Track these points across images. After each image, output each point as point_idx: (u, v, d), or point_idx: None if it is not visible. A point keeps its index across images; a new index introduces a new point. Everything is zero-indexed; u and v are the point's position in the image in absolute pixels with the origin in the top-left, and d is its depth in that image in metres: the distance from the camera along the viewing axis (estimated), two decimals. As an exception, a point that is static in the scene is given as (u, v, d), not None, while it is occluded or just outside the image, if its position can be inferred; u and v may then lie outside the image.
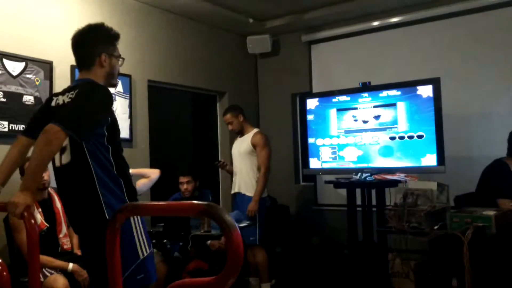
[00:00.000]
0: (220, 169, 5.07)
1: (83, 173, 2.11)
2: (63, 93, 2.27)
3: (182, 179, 4.36)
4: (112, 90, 4.41)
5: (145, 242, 2.20)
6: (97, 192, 2.11)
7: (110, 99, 2.19)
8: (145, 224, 2.23)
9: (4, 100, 3.52)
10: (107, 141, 2.16)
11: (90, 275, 2.40)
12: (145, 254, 2.19)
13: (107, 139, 2.16)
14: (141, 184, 3.95)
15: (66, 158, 2.14)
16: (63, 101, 2.20)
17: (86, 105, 2.09)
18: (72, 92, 2.17)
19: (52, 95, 2.39)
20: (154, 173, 3.99)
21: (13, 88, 3.60)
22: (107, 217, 2.08)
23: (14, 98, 3.58)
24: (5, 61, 3.56)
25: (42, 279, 2.98)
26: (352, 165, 4.11)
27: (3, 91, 3.53)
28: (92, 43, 2.26)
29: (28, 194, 1.92)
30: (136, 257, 2.18)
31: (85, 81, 2.24)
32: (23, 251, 2.93)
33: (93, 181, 2.11)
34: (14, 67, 3.62)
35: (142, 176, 3.96)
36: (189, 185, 4.34)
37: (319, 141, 4.35)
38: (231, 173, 4.56)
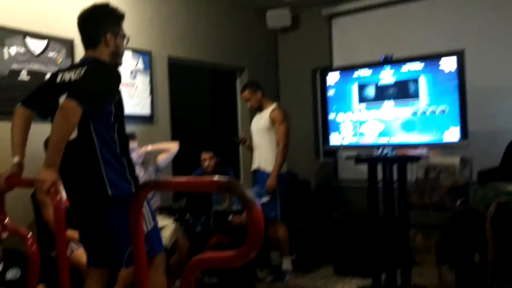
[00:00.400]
0: (240, 145, 5.08)
1: (87, 150, 2.17)
2: (69, 69, 2.32)
3: (204, 155, 4.39)
4: (132, 67, 4.47)
5: (149, 215, 2.27)
6: (100, 169, 2.17)
7: (119, 77, 2.26)
8: (149, 199, 2.28)
9: (27, 79, 3.57)
10: (113, 119, 2.22)
11: (89, 252, 2.43)
12: (149, 228, 2.25)
13: (113, 116, 2.22)
14: (162, 160, 4.01)
15: (72, 134, 2.16)
16: (70, 78, 2.25)
17: (97, 81, 2.16)
18: (81, 69, 2.22)
19: (57, 70, 2.42)
20: (173, 147, 4.04)
21: (35, 67, 3.65)
22: (110, 194, 2.16)
23: (36, 76, 3.63)
24: (27, 39, 3.60)
25: (69, 253, 3.07)
26: (373, 141, 4.07)
27: (27, 70, 3.58)
28: (97, 22, 2.31)
29: (53, 170, 1.98)
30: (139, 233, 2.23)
31: (92, 59, 2.29)
32: (51, 226, 3.01)
33: (97, 158, 2.17)
34: (37, 46, 3.66)
35: (162, 151, 4.01)
36: (211, 161, 4.37)
37: (340, 116, 4.31)
38: (251, 149, 4.57)
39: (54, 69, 3.73)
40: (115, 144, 2.23)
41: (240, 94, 4.67)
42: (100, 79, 2.18)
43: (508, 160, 3.75)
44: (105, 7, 2.36)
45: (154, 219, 2.31)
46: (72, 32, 3.82)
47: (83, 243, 2.45)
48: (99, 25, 2.30)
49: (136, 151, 3.79)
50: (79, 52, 3.88)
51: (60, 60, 3.78)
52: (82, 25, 2.35)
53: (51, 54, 3.74)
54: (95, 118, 2.15)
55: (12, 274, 2.92)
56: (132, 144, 3.74)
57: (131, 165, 2.29)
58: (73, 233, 3.05)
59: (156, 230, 2.36)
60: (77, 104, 2.00)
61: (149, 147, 3.97)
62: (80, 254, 3.04)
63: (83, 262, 2.97)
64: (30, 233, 2.26)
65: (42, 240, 2.88)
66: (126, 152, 2.29)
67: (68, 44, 3.82)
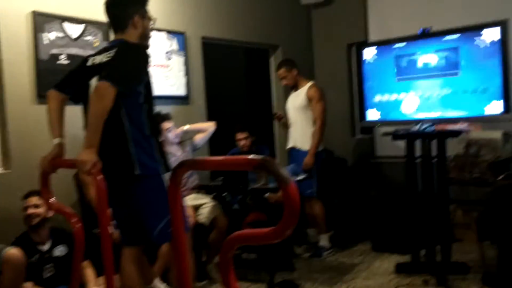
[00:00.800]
0: (276, 122, 5.05)
1: (116, 129, 2.23)
2: (99, 53, 2.39)
3: (240, 135, 4.42)
4: (167, 48, 4.50)
5: None
6: (128, 148, 2.23)
7: (148, 58, 2.30)
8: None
9: (66, 62, 3.66)
10: (143, 100, 2.28)
11: (121, 230, 2.50)
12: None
13: (144, 97, 2.28)
14: (199, 139, 4.06)
15: None
16: (101, 60, 2.31)
17: (128, 62, 2.22)
18: (110, 52, 2.29)
19: (88, 55, 2.50)
20: (210, 126, 4.09)
21: (74, 51, 3.73)
22: (136, 173, 2.23)
23: (75, 60, 3.71)
24: (65, 24, 3.68)
25: (111, 230, 3.18)
26: (411, 116, 3.99)
27: (66, 54, 3.67)
28: (124, 5, 2.37)
29: (92, 150, 2.05)
30: (168, 212, 2.28)
31: (121, 41, 2.35)
32: (93, 205, 3.11)
33: (125, 138, 2.23)
34: (74, 30, 3.74)
35: (198, 131, 4.06)
36: (247, 140, 4.39)
37: (377, 92, 4.24)
38: (286, 126, 4.56)
39: (92, 52, 3.81)
40: (143, 125, 2.28)
41: (275, 72, 4.64)
42: (131, 60, 2.24)
43: (554, 133, 3.61)
44: None
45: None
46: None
47: (116, 221, 2.52)
48: (126, 8, 2.37)
49: (173, 131, 3.85)
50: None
51: (97, 44, 3.85)
52: (110, 9, 2.41)
53: (88, 37, 3.81)
54: (125, 98, 2.20)
55: (59, 251, 3.05)
56: (168, 124, 3.81)
57: (160, 146, 2.35)
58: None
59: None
60: (111, 84, 2.06)
61: (186, 127, 4.03)
62: (122, 232, 3.13)
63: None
64: (74, 212, 2.35)
65: (86, 219, 2.99)
66: (155, 132, 2.35)
67: (104, 27, 3.88)
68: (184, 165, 1.59)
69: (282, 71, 4.40)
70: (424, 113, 3.91)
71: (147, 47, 2.45)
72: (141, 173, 2.25)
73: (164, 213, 2.21)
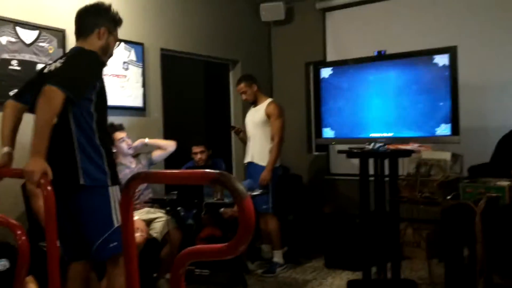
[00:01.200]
0: (234, 135, 5.03)
1: (64, 137, 2.18)
2: (56, 60, 2.38)
3: (196, 149, 4.39)
4: (124, 58, 4.43)
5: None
6: (75, 157, 2.18)
7: (99, 63, 2.29)
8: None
9: (18, 68, 3.54)
10: (94, 108, 2.22)
11: (64, 243, 2.36)
12: (119, 222, 2.23)
13: (94, 105, 2.22)
14: (157, 155, 4.00)
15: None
16: (55, 66, 2.28)
17: (76, 66, 2.20)
18: (64, 58, 2.29)
19: (46, 64, 2.50)
20: (170, 146, 4.04)
21: (27, 57, 3.61)
22: (81, 183, 2.18)
23: (28, 66, 3.59)
24: (18, 29, 3.56)
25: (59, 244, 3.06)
26: (365, 134, 4.09)
27: (18, 60, 3.55)
28: (96, 15, 2.38)
29: (41, 158, 1.97)
30: (110, 225, 2.22)
31: (77, 48, 2.35)
32: (41, 217, 2.99)
33: (72, 146, 2.18)
34: (28, 35, 3.62)
35: (158, 147, 4.01)
36: (203, 154, 4.37)
37: (333, 110, 4.31)
38: (244, 141, 4.57)
39: (46, 59, 3.70)
40: (93, 134, 2.22)
41: (235, 86, 4.66)
42: (80, 65, 2.21)
43: (498, 156, 3.78)
44: (106, 7, 2.43)
45: None
46: (64, 22, 3.80)
47: (59, 234, 2.43)
48: (97, 17, 2.37)
49: (126, 142, 3.78)
50: (71, 42, 3.83)
51: (52, 50, 3.74)
52: (80, 16, 2.40)
53: (42, 44, 3.70)
54: (74, 105, 2.15)
55: (1, 265, 2.90)
56: (121, 134, 3.74)
57: (110, 156, 2.29)
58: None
59: None
60: (58, 88, 2.01)
61: (146, 140, 3.96)
62: (70, 245, 3.02)
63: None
64: (20, 224, 2.25)
65: (33, 231, 2.87)
66: (105, 142, 2.29)
67: (60, 34, 3.78)
68: (139, 178, 1.55)
69: (242, 86, 4.42)
70: (377, 133, 4.02)
71: (104, 63, 2.43)
72: (86, 183, 2.19)
73: (104, 228, 2.16)
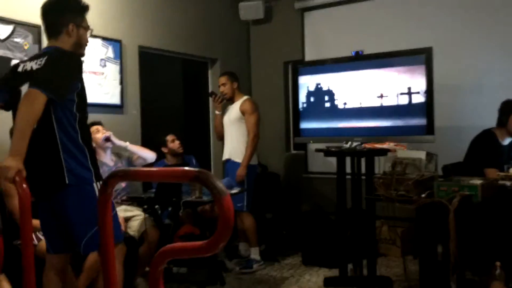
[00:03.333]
0: (213, 101, 4.80)
1: (47, 138, 2.19)
2: (30, 59, 2.33)
3: (171, 136, 4.40)
4: (102, 55, 4.38)
5: None
6: (60, 157, 2.19)
7: (80, 65, 2.29)
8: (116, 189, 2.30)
9: (-8, 64, 3.46)
10: (76, 108, 2.24)
11: (48, 238, 2.43)
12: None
13: (76, 105, 2.24)
14: (138, 162, 3.96)
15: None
16: (31, 67, 2.25)
17: (60, 70, 2.18)
18: (41, 59, 2.24)
19: (19, 61, 2.46)
20: (150, 157, 3.98)
21: (0, 52, 3.54)
22: (67, 182, 2.20)
23: (2, 62, 3.52)
24: (-8, 24, 3.49)
25: (35, 242, 3.02)
26: (343, 132, 4.13)
27: (-9, 55, 3.47)
28: (60, 13, 2.34)
29: (18, 158, 1.96)
30: (97, 221, 2.23)
31: (53, 48, 2.32)
32: (15, 216, 2.95)
33: (57, 146, 2.19)
34: (2, 31, 3.55)
35: (138, 156, 3.96)
36: (178, 141, 4.40)
37: (311, 109, 4.35)
38: (221, 139, 4.58)
39: (20, 54, 3.64)
40: (76, 133, 2.25)
41: (218, 77, 4.68)
42: (63, 67, 2.20)
43: (471, 156, 3.87)
44: None
45: (113, 208, 2.32)
46: (39, 17, 3.73)
47: (42, 229, 2.46)
48: (61, 15, 2.33)
49: (102, 132, 3.75)
50: (47, 38, 3.79)
51: (27, 46, 3.68)
52: (45, 14, 2.38)
53: (17, 39, 3.63)
54: (56, 106, 2.17)
55: (-26, 264, 2.84)
56: (97, 127, 3.72)
57: (92, 154, 2.33)
58: (38, 223, 3.00)
59: (116, 220, 2.37)
60: (41, 91, 2.03)
61: (127, 144, 3.89)
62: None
63: (49, 252, 2.93)
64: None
65: (7, 230, 2.82)
66: (87, 141, 2.32)
67: (35, 30, 3.72)
68: (117, 176, 1.55)
69: (224, 78, 4.48)
70: (355, 130, 4.07)
71: (81, 55, 2.41)
72: (72, 182, 2.21)
73: (93, 223, 2.15)
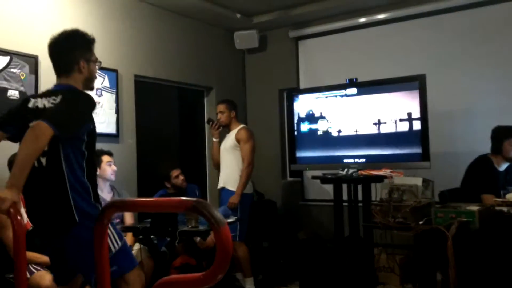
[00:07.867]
0: (211, 128, 4.77)
1: (56, 177, 2.15)
2: (42, 96, 2.31)
3: (175, 172, 4.35)
4: (98, 85, 4.40)
5: (116, 236, 2.25)
6: (68, 195, 2.15)
7: (94, 106, 2.27)
8: (114, 219, 2.28)
9: (-12, 94, 3.47)
10: (85, 147, 2.22)
11: (59, 275, 2.41)
12: (117, 248, 2.23)
13: (85, 144, 2.22)
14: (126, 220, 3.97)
15: (44, 160, 2.17)
16: (44, 105, 2.24)
17: (72, 110, 2.16)
18: (55, 98, 2.22)
19: (29, 96, 2.43)
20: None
21: (-3, 83, 3.55)
22: (77, 220, 2.15)
23: (-2, 92, 3.53)
24: (-11, 55, 3.51)
25: (28, 275, 2.96)
26: (339, 160, 4.13)
27: (-13, 86, 3.48)
28: (69, 51, 2.31)
29: (15, 190, 1.93)
30: (108, 252, 2.20)
31: (67, 87, 2.29)
32: (8, 248, 2.90)
33: (65, 185, 2.15)
34: (-1, 61, 3.57)
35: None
36: (183, 176, 4.37)
37: (306, 137, 4.37)
38: (217, 168, 4.56)
39: (17, 85, 3.65)
40: (82, 171, 2.22)
41: (216, 105, 4.68)
42: (76, 108, 2.19)
43: (468, 181, 3.87)
44: (75, 34, 2.35)
45: (121, 238, 2.29)
46: (36, 48, 3.77)
47: (52, 266, 2.44)
48: (71, 53, 2.30)
49: (112, 167, 3.82)
50: (44, 68, 3.80)
51: (23, 76, 3.69)
52: (54, 53, 2.34)
53: (14, 70, 3.65)
54: (65, 144, 2.15)
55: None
56: (109, 158, 3.78)
57: (95, 191, 2.29)
58: (32, 254, 2.96)
59: (125, 249, 2.33)
60: (49, 126, 1.99)
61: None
62: (39, 276, 2.94)
63: (43, 284, 2.88)
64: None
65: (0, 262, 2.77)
66: (92, 179, 2.28)
67: (32, 60, 3.74)
68: (113, 206, 1.53)
69: (223, 106, 4.49)
70: (350, 159, 4.07)
71: (92, 89, 2.40)
72: (81, 220, 2.16)
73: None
